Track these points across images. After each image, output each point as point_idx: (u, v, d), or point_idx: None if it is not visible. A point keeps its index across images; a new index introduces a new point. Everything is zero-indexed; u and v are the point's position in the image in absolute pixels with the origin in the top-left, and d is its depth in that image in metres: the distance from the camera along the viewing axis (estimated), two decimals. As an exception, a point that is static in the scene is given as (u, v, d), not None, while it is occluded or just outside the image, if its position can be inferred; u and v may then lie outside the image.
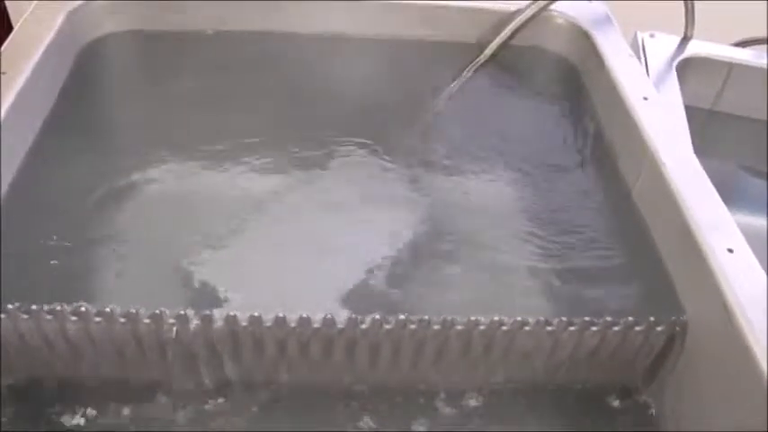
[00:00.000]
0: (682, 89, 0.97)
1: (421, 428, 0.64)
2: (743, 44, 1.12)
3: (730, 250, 0.62)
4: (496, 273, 0.67)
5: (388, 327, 0.61)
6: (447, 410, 0.65)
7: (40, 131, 0.76)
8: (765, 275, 0.60)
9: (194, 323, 0.59)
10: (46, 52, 0.79)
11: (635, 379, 0.67)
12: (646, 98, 0.79)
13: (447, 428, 0.64)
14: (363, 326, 0.60)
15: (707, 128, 1.08)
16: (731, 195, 0.70)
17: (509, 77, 0.94)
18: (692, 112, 0.93)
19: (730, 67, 1.07)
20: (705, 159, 0.73)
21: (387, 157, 0.78)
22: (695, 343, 0.62)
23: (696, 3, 1.03)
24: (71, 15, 0.86)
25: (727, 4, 1.37)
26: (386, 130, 0.82)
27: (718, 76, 1.08)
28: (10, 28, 0.82)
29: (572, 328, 0.62)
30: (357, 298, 0.62)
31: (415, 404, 0.65)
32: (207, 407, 0.63)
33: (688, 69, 1.04)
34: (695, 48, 1.07)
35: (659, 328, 0.63)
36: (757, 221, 0.93)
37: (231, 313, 0.59)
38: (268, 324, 0.60)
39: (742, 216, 0.86)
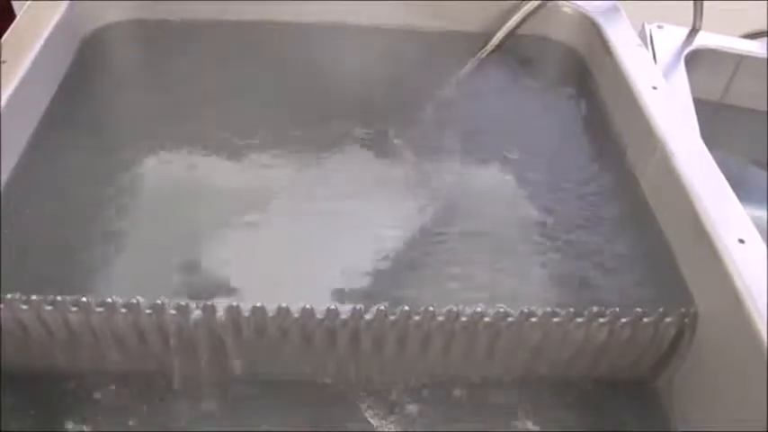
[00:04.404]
0: (690, 81, 0.96)
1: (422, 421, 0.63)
2: (751, 36, 1.11)
3: (741, 241, 0.61)
4: (503, 263, 0.66)
5: (392, 318, 0.60)
6: (452, 403, 0.64)
7: (41, 121, 0.75)
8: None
9: (196, 313, 0.59)
10: (48, 41, 0.78)
11: (644, 371, 0.66)
12: (655, 88, 0.78)
13: (450, 422, 0.63)
14: (367, 317, 0.60)
15: (715, 120, 1.07)
16: (739, 188, 0.68)
17: (516, 67, 0.93)
18: (700, 104, 0.92)
19: (739, 59, 1.06)
20: (713, 152, 0.72)
21: (392, 147, 0.77)
22: (705, 335, 0.61)
23: (704, -6, 1.02)
24: (74, 4, 0.85)
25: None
26: (391, 119, 0.81)
27: (727, 68, 1.07)
28: (14, 17, 0.81)
29: (579, 320, 0.61)
30: (361, 289, 0.61)
31: (419, 396, 0.64)
32: (209, 397, 0.63)
33: (696, 61, 1.03)
34: (704, 39, 1.05)
35: (669, 320, 0.62)
36: (765, 214, 0.92)
37: (234, 303, 0.59)
38: (271, 315, 0.59)
39: (754, 209, 0.85)
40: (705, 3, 1.03)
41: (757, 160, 1.04)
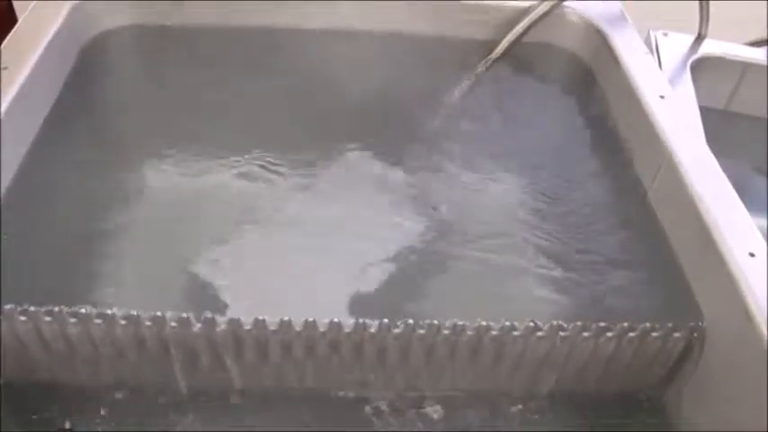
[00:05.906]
0: (695, 89, 0.95)
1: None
2: (757, 44, 1.10)
3: (752, 254, 0.60)
4: (509, 276, 0.65)
5: (396, 331, 0.59)
6: (455, 416, 0.63)
7: (42, 127, 0.75)
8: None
9: (197, 326, 0.58)
10: (49, 47, 0.78)
11: (652, 385, 0.65)
12: (662, 97, 0.77)
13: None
14: (371, 330, 0.59)
15: (720, 128, 1.07)
16: (746, 197, 0.68)
17: (522, 75, 0.92)
18: (705, 112, 0.91)
19: (745, 67, 1.05)
20: (717, 160, 0.71)
21: (395, 157, 0.77)
22: (714, 350, 0.60)
23: (710, 2, 1.01)
24: (75, 10, 0.84)
25: (740, 4, 1.35)
26: (395, 128, 0.81)
27: (733, 75, 1.06)
28: (16, 22, 0.81)
29: (586, 334, 0.60)
30: (364, 302, 0.61)
31: (422, 409, 0.64)
32: (209, 411, 0.62)
33: (702, 69, 1.02)
34: (709, 47, 1.05)
35: (677, 334, 0.61)
36: (766, 222, 0.91)
37: (235, 316, 0.58)
38: (273, 328, 0.58)
39: (756, 218, 0.85)
40: (710, 10, 1.02)
41: (759, 167, 1.03)
